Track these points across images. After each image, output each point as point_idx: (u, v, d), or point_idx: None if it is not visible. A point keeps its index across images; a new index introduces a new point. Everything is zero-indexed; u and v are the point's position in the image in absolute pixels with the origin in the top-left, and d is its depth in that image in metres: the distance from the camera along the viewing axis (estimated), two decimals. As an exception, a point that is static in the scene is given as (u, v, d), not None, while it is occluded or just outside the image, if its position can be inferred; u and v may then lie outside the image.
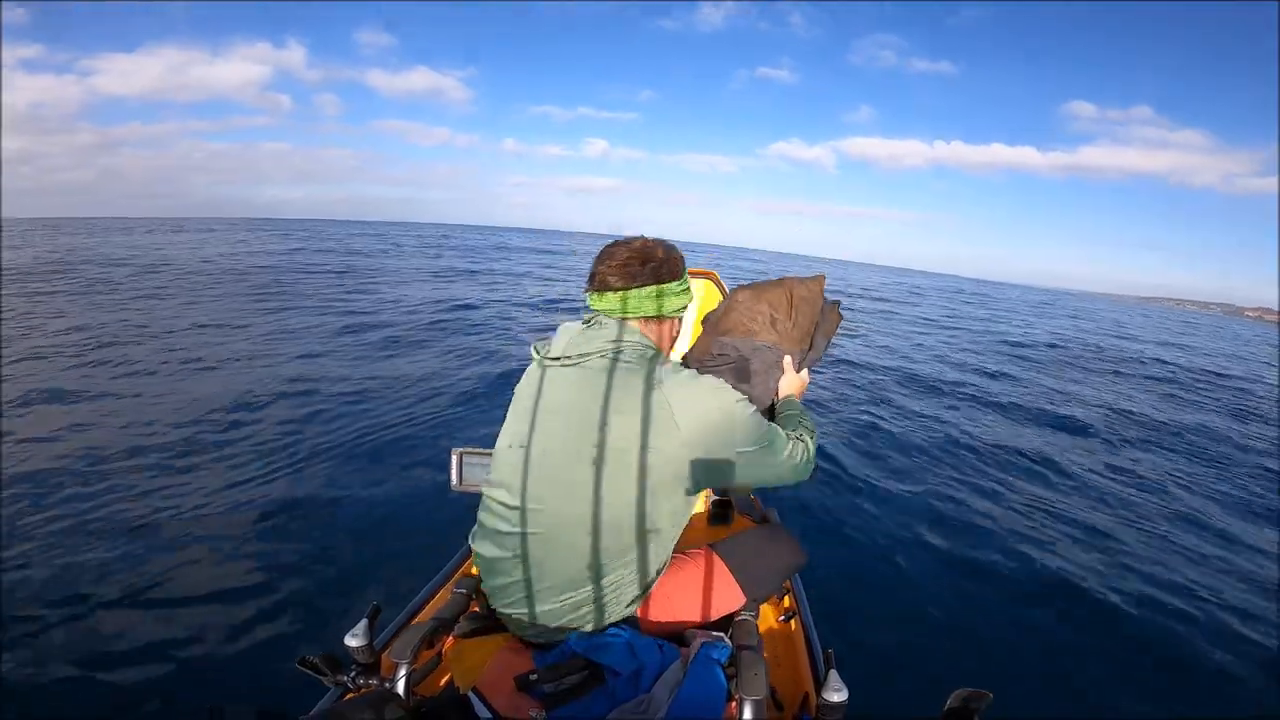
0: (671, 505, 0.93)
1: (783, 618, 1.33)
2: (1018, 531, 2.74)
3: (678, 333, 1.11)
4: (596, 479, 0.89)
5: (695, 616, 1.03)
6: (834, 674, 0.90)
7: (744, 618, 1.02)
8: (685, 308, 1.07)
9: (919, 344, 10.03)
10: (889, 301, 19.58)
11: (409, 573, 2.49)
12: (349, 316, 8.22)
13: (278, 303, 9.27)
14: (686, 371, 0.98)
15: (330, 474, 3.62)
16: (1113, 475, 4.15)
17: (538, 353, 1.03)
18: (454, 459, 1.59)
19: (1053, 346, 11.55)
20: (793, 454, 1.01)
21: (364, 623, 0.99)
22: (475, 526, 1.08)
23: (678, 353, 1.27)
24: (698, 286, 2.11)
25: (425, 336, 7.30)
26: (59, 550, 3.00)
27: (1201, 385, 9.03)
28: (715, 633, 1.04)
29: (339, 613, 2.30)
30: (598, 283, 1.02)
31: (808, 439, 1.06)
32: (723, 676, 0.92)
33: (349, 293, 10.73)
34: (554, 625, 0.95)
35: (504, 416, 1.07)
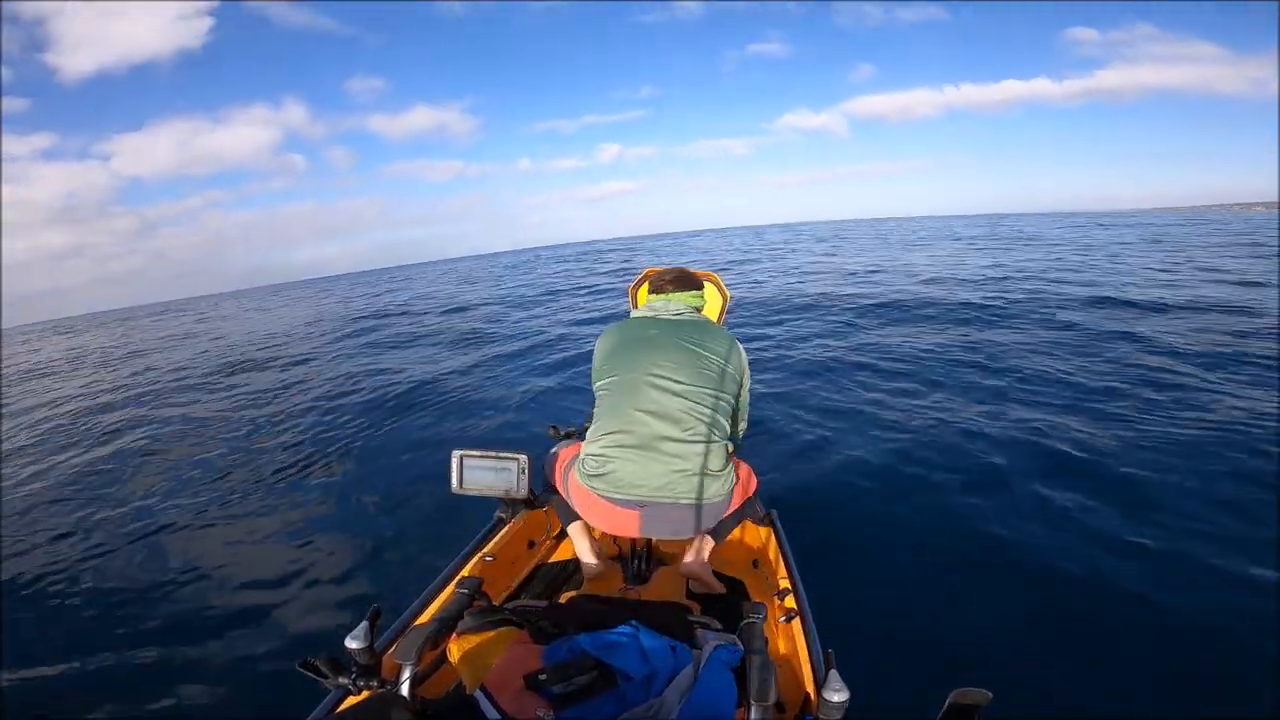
0: (730, 400, 1.52)
1: (784, 618, 1.33)
2: (1034, 526, 2.68)
3: None
4: (720, 373, 1.48)
5: (748, 489, 1.59)
6: (834, 674, 0.91)
7: (751, 620, 1.02)
8: (702, 308, 1.71)
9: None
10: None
11: (409, 574, 2.50)
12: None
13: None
14: None
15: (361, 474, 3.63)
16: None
17: (639, 315, 1.62)
18: (454, 461, 1.59)
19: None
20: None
21: (364, 625, 0.99)
22: (604, 429, 1.46)
23: None
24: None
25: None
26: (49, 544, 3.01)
27: None
28: (727, 635, 1.04)
29: (340, 615, 2.30)
30: (659, 288, 1.66)
31: None
32: (733, 681, 0.92)
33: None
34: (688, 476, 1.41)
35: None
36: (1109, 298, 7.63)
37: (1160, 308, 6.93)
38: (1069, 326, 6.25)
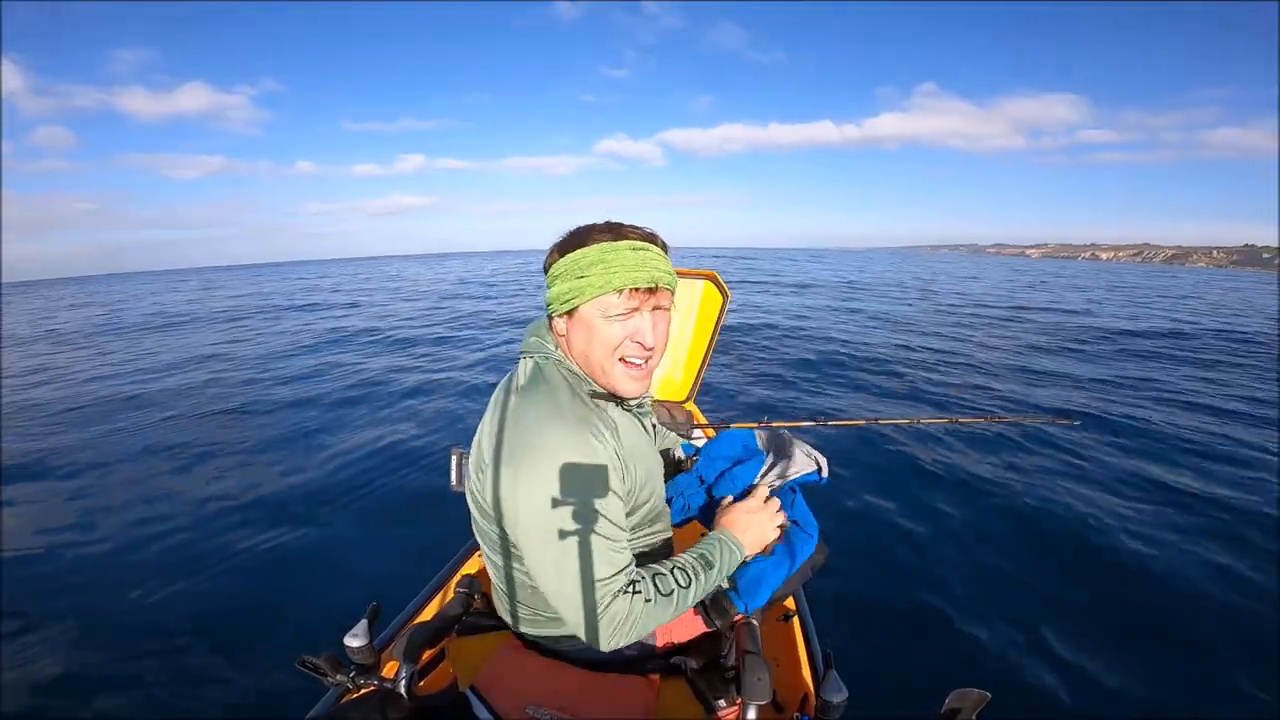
0: None
1: (782, 619, 1.33)
2: (1028, 522, 2.69)
3: (598, 346, 0.79)
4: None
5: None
6: (833, 674, 0.91)
7: (749, 620, 1.02)
8: (568, 302, 0.76)
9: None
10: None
11: (410, 573, 2.49)
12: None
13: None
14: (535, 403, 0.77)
15: (333, 476, 3.62)
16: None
17: None
18: (454, 459, 1.58)
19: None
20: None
21: (364, 623, 0.99)
22: None
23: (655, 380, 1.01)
24: (695, 287, 2.11)
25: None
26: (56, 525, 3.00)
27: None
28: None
29: (339, 613, 2.29)
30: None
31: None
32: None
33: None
34: None
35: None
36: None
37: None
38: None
